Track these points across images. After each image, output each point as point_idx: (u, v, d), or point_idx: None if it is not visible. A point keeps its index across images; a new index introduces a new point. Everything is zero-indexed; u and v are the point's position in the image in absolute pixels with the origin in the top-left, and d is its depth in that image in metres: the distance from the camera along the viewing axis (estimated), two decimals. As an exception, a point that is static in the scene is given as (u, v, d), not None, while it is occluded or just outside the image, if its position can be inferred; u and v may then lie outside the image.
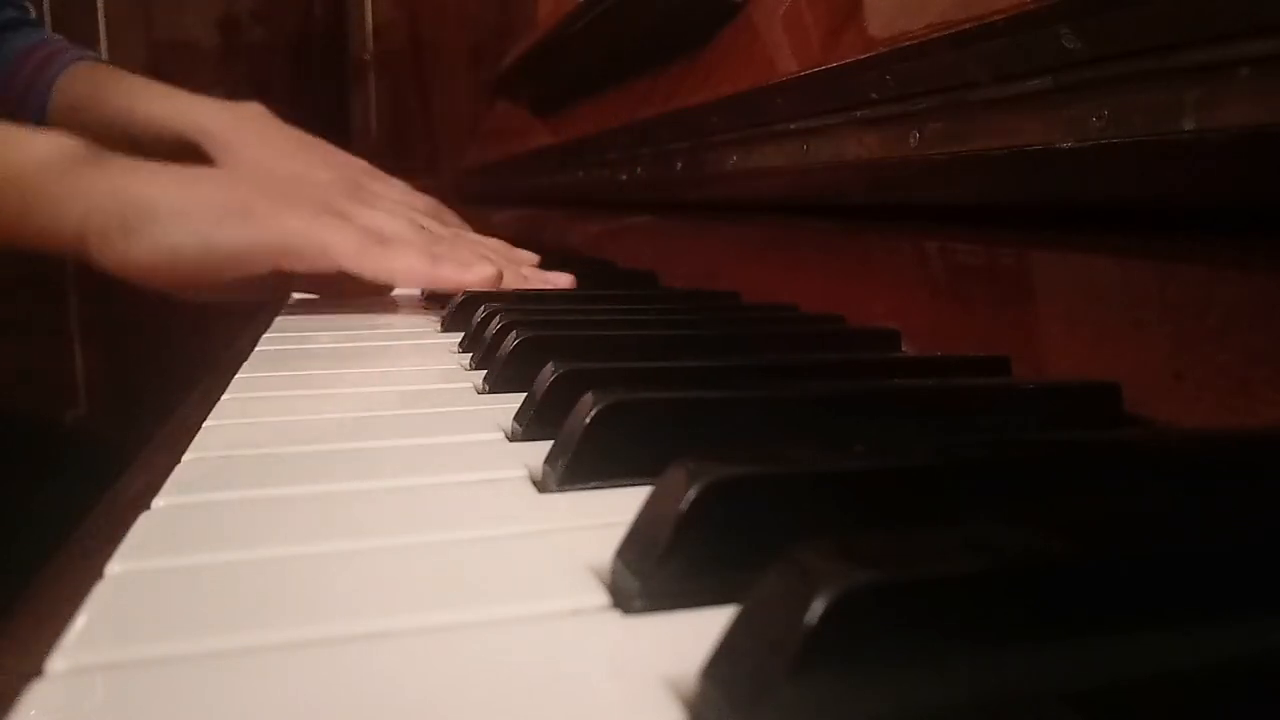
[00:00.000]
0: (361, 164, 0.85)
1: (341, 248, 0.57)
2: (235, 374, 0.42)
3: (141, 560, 0.21)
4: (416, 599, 0.19)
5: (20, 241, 0.57)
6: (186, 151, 0.83)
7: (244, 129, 0.83)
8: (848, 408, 0.29)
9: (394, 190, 0.79)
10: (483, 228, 0.83)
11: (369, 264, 0.57)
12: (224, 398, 0.37)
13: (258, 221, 0.56)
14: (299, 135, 0.85)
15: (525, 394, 0.33)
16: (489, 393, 0.38)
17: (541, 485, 0.26)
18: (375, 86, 1.90)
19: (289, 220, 0.57)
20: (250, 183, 0.60)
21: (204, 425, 0.33)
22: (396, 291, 0.76)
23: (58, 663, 0.17)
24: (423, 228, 0.66)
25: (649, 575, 0.19)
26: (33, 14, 0.92)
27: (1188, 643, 0.15)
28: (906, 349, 0.44)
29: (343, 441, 0.31)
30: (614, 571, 0.20)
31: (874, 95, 0.44)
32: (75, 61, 0.88)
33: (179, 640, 0.17)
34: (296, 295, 0.76)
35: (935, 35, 0.38)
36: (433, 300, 0.69)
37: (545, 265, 0.72)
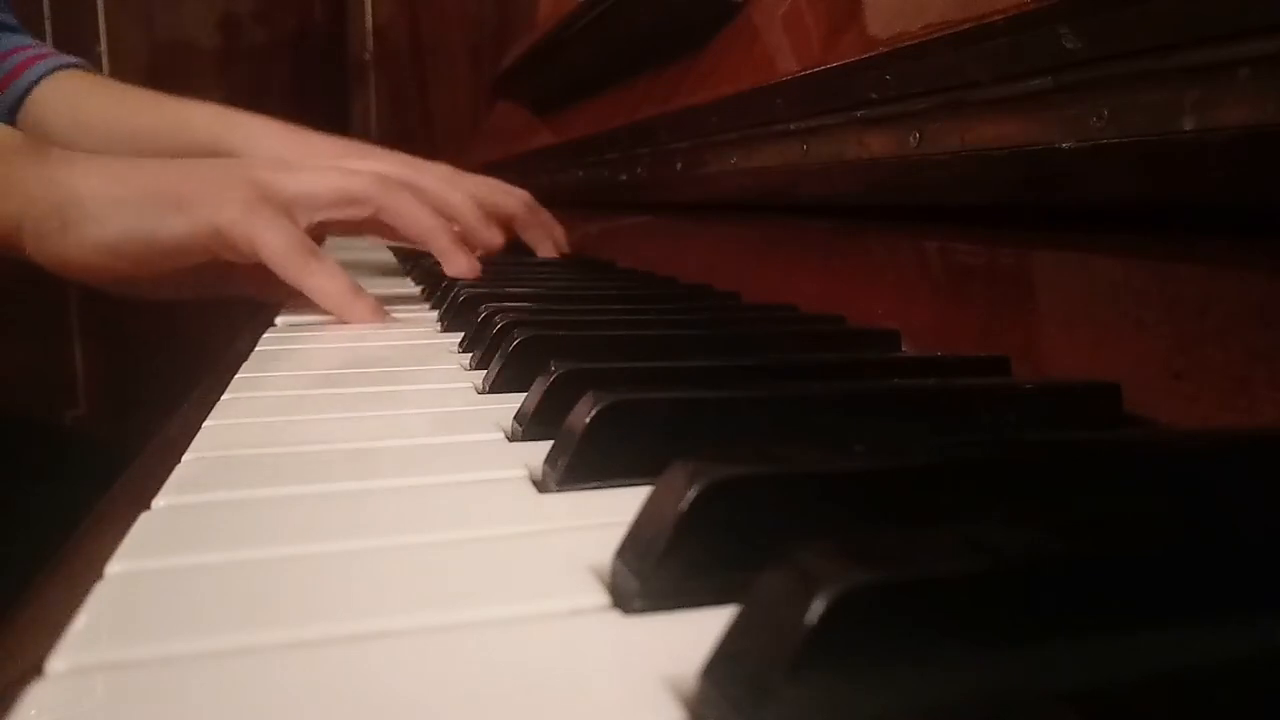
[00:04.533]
0: (401, 157, 0.82)
1: (270, 246, 0.55)
2: (235, 374, 0.42)
3: (141, 560, 0.21)
4: (416, 599, 0.19)
5: None
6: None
7: (258, 133, 0.83)
8: (848, 408, 0.29)
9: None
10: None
11: (291, 270, 0.56)
12: (224, 398, 0.37)
13: (192, 211, 0.55)
14: (320, 136, 0.84)
15: (525, 394, 0.33)
16: (489, 393, 0.38)
17: (541, 485, 0.26)
18: (375, 87, 1.91)
19: (223, 209, 0.55)
20: (186, 171, 0.57)
21: (204, 425, 0.33)
22: (397, 291, 0.76)
23: (58, 663, 0.17)
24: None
25: (649, 575, 0.18)
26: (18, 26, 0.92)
27: (1188, 643, 0.15)
28: (906, 349, 0.44)
29: (342, 442, 0.31)
30: (614, 572, 0.20)
31: (874, 95, 0.44)
32: (62, 69, 0.87)
33: (178, 640, 0.17)
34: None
35: (935, 35, 0.38)
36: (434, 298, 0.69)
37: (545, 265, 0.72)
